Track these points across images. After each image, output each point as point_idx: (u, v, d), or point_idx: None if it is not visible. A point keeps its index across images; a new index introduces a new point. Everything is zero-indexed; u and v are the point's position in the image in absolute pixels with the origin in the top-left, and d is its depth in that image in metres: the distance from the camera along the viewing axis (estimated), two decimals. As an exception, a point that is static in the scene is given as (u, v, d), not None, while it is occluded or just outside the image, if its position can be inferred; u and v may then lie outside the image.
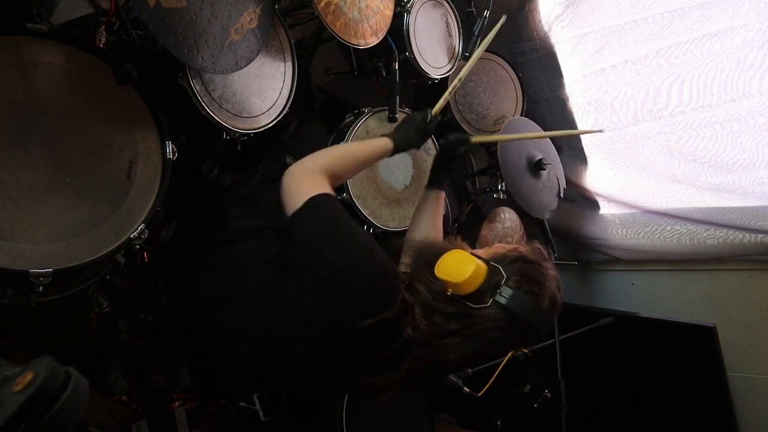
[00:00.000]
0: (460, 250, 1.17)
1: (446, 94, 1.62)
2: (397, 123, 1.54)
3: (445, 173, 1.63)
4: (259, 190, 1.63)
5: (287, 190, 1.23)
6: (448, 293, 1.12)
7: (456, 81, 1.68)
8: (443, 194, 1.62)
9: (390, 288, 1.16)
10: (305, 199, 1.18)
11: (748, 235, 2.37)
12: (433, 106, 1.55)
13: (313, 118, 2.03)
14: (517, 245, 1.24)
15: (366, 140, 1.49)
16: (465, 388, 1.95)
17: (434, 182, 1.62)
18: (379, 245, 1.21)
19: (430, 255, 1.19)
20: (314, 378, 1.29)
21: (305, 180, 1.24)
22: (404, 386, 1.18)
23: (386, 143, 1.43)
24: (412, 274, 1.19)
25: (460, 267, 1.11)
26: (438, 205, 1.61)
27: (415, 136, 1.48)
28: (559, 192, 2.52)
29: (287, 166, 1.68)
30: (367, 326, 1.11)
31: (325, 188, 1.23)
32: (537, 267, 1.16)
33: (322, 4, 1.70)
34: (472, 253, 1.17)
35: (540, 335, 1.16)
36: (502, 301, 1.09)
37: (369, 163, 1.46)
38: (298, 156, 1.70)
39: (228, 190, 1.87)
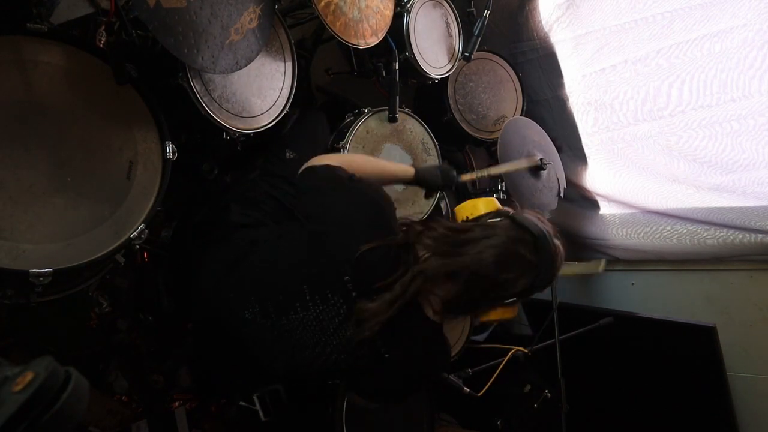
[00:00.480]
0: None
1: (480, 172, 1.84)
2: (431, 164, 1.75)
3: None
4: (257, 185, 1.63)
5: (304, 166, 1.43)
6: (467, 217, 1.33)
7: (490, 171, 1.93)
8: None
9: (391, 218, 1.32)
10: (312, 164, 1.40)
11: (748, 235, 2.37)
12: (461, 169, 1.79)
13: (316, 111, 2.01)
14: None
15: (393, 162, 1.68)
16: (465, 388, 1.95)
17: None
18: None
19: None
20: (314, 330, 1.28)
21: (320, 158, 1.44)
22: (391, 318, 1.19)
23: (409, 169, 1.58)
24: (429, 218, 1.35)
25: (479, 200, 1.40)
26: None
27: (436, 179, 1.60)
28: (559, 192, 2.52)
29: (286, 161, 1.71)
30: (369, 251, 1.21)
31: (331, 160, 1.41)
32: (543, 219, 1.29)
33: (322, 4, 1.70)
34: None
35: (541, 254, 1.21)
36: (514, 216, 1.25)
37: (386, 177, 1.56)
38: (298, 151, 1.73)
39: (228, 187, 1.87)
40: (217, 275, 1.42)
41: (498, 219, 1.25)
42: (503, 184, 2.40)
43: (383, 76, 2.09)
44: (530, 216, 1.25)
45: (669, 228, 2.62)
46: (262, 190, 1.61)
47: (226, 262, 1.43)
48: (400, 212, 2.03)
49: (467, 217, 1.32)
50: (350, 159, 1.48)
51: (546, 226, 1.24)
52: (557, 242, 1.25)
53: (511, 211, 1.28)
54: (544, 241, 1.20)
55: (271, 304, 1.31)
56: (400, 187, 2.05)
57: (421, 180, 1.58)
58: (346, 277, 1.23)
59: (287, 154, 1.73)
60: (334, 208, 1.32)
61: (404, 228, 1.29)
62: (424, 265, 1.20)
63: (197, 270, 1.48)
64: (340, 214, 1.31)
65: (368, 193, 1.34)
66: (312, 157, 1.83)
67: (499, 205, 1.34)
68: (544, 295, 2.31)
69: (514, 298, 1.25)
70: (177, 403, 1.91)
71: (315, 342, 1.29)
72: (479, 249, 1.19)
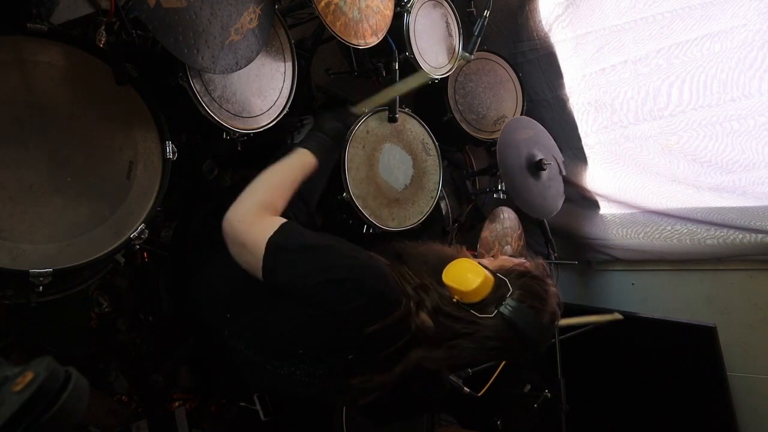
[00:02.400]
0: (467, 259, 1.20)
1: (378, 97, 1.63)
2: (309, 130, 1.45)
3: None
4: None
5: (238, 242, 1.19)
6: (454, 300, 1.15)
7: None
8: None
9: (392, 290, 1.17)
10: (263, 244, 1.14)
11: (748, 235, 2.37)
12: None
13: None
14: (523, 260, 1.27)
15: (285, 161, 1.36)
16: (465, 388, 1.96)
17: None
18: (374, 248, 1.25)
19: (435, 261, 1.22)
20: (307, 381, 1.27)
21: (251, 226, 1.19)
22: (388, 392, 1.18)
23: (307, 157, 1.38)
24: (421, 277, 1.22)
25: (468, 276, 1.14)
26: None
27: (329, 141, 1.44)
28: (560, 171, 2.52)
29: None
30: (373, 331, 1.12)
31: (273, 224, 1.18)
32: (541, 283, 1.19)
33: (322, 4, 1.70)
34: (479, 263, 1.19)
35: (537, 350, 1.18)
36: (506, 312, 1.12)
37: (298, 182, 1.36)
38: None
39: (231, 190, 1.86)
40: (212, 285, 1.41)
41: (490, 316, 1.13)
42: (503, 184, 2.41)
43: (383, 76, 2.09)
44: (533, 299, 1.14)
45: (669, 228, 2.62)
46: None
47: (219, 276, 1.40)
48: (401, 212, 2.03)
49: (456, 300, 1.15)
50: (267, 198, 1.26)
51: (548, 309, 1.16)
52: (558, 314, 1.19)
53: (505, 290, 1.14)
54: (543, 337, 1.16)
55: (263, 348, 1.28)
56: (400, 187, 2.05)
57: (323, 157, 1.41)
58: (348, 349, 1.19)
59: None
60: (334, 290, 1.15)
61: (402, 294, 1.18)
62: (420, 354, 1.15)
63: (195, 272, 1.48)
64: (341, 305, 1.15)
65: (367, 286, 1.15)
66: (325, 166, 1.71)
67: (492, 280, 1.15)
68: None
69: None
70: (177, 403, 1.91)
71: (299, 381, 1.27)
72: (473, 347, 1.13)
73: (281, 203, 1.29)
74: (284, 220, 1.22)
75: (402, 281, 1.21)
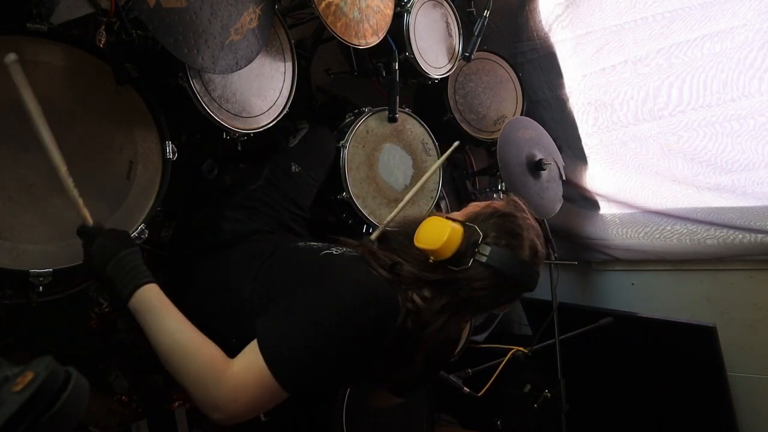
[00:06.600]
0: (435, 217, 1.17)
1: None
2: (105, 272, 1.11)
3: None
4: (258, 194, 1.63)
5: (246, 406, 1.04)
6: (431, 261, 1.13)
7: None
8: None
9: (383, 303, 1.10)
10: (264, 367, 1.02)
11: (748, 235, 2.37)
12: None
13: (322, 126, 1.98)
14: (490, 201, 1.25)
15: (154, 323, 1.13)
16: (465, 388, 1.96)
17: None
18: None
19: (409, 228, 1.20)
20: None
21: (246, 388, 1.03)
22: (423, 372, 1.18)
23: (152, 290, 1.15)
24: (395, 250, 1.19)
25: (435, 233, 1.11)
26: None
27: (136, 260, 1.15)
28: (560, 176, 2.52)
29: (291, 175, 1.69)
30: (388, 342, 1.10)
31: (252, 350, 1.05)
32: (512, 219, 1.17)
33: (323, 5, 1.70)
34: (447, 218, 1.17)
35: (527, 286, 1.17)
36: (482, 259, 1.10)
37: (177, 311, 1.16)
38: (304, 165, 1.72)
39: (228, 192, 1.87)
40: (206, 291, 1.41)
41: (467, 267, 1.10)
42: (503, 184, 2.41)
43: (383, 76, 2.09)
44: (507, 237, 1.12)
45: (669, 228, 2.62)
46: (263, 200, 1.61)
47: (213, 283, 1.41)
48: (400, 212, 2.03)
49: (432, 260, 1.12)
50: (204, 358, 1.10)
51: (525, 243, 1.14)
52: (539, 245, 1.18)
53: (476, 236, 1.11)
54: (528, 272, 1.14)
55: None
56: (400, 187, 2.05)
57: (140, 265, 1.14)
58: (367, 357, 1.16)
59: (293, 167, 1.71)
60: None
61: (392, 295, 1.12)
62: (429, 330, 1.11)
63: (191, 276, 1.48)
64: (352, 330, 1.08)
65: (359, 303, 1.08)
66: (318, 172, 1.78)
67: (460, 230, 1.11)
68: (544, 295, 2.33)
69: None
70: (177, 403, 1.91)
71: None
72: (468, 302, 1.13)
73: (209, 343, 1.11)
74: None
75: (376, 268, 1.14)
